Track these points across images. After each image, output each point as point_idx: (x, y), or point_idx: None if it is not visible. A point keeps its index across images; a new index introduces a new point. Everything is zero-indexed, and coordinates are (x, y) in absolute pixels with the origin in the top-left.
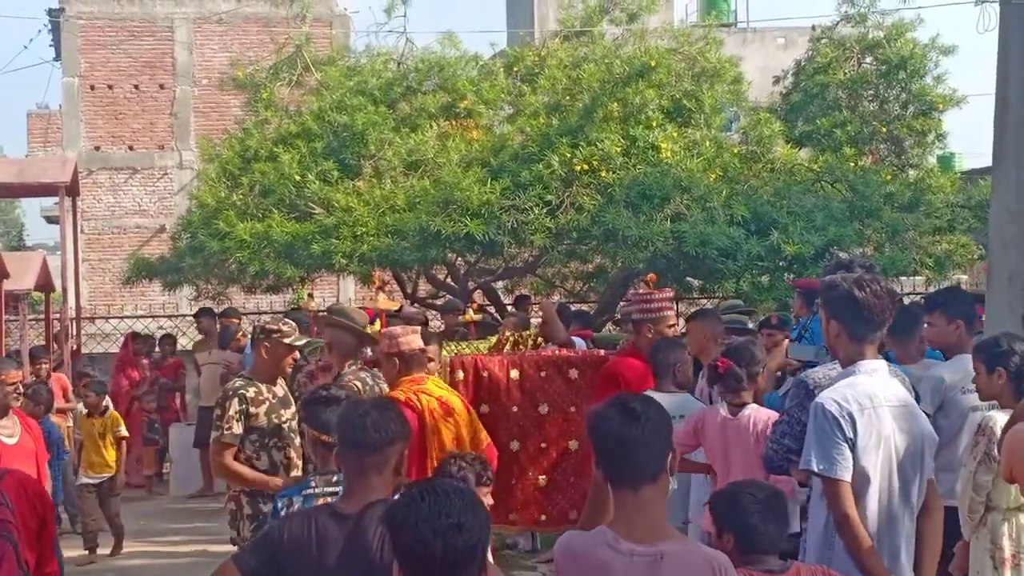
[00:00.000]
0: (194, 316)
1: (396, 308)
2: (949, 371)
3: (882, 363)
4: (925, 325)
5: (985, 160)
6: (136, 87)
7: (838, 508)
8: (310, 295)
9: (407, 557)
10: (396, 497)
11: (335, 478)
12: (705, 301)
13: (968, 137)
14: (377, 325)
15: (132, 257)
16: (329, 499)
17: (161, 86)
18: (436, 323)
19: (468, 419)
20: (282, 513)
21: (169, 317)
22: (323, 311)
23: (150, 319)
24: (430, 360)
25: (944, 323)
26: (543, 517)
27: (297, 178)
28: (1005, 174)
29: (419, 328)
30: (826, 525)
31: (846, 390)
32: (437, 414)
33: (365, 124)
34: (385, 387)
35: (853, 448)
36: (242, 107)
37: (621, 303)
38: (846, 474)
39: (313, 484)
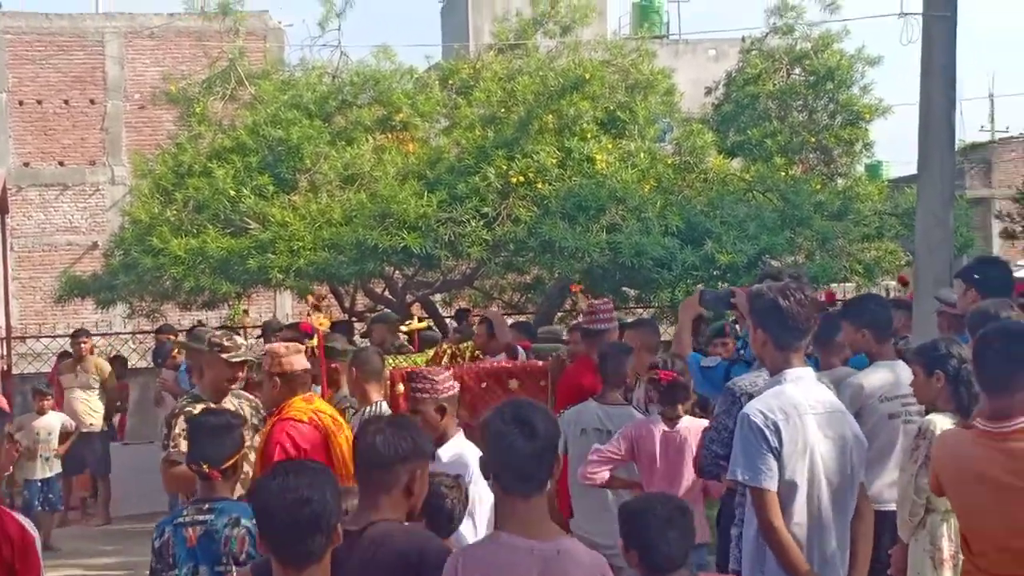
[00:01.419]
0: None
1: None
2: (868, 378)
3: (808, 370)
4: None
5: (911, 168)
6: (66, 102)
7: (764, 517)
8: (245, 311)
9: (261, 523)
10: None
11: (207, 506)
12: (641, 311)
13: (894, 146)
14: (315, 340)
15: (64, 275)
16: (199, 528)
17: (92, 101)
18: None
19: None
20: (155, 544)
21: (103, 335)
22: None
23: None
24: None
25: (852, 331)
26: None
27: (232, 193)
28: (930, 181)
29: (303, 348)
30: (757, 533)
31: (771, 400)
32: (331, 432)
33: (300, 138)
34: (248, 411)
35: (778, 457)
36: (175, 122)
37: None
38: (771, 483)
39: (185, 513)
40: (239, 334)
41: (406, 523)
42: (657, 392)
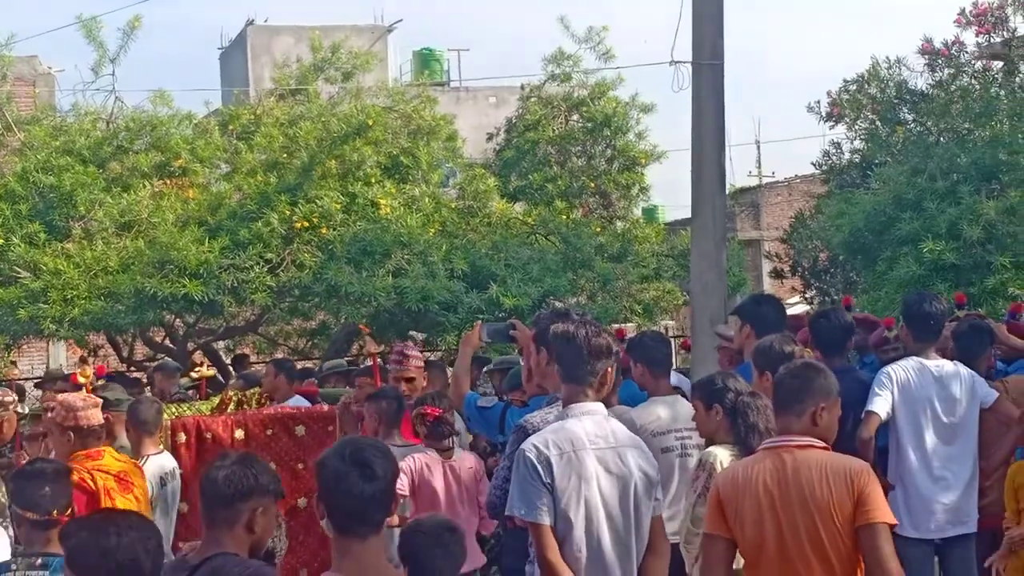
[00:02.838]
0: None
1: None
2: (640, 413)
3: (598, 406)
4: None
5: (686, 211)
6: None
7: (540, 552)
8: (13, 362)
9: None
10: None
11: (39, 560)
12: (428, 354)
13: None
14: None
15: None
16: None
17: None
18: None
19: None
20: None
21: None
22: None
23: None
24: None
25: (632, 367)
26: None
27: (0, 241)
28: (703, 224)
29: (100, 401)
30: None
31: (549, 435)
32: (114, 492)
33: (73, 184)
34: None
35: (552, 492)
36: None
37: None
38: (545, 518)
39: (14, 567)
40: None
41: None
42: (424, 428)
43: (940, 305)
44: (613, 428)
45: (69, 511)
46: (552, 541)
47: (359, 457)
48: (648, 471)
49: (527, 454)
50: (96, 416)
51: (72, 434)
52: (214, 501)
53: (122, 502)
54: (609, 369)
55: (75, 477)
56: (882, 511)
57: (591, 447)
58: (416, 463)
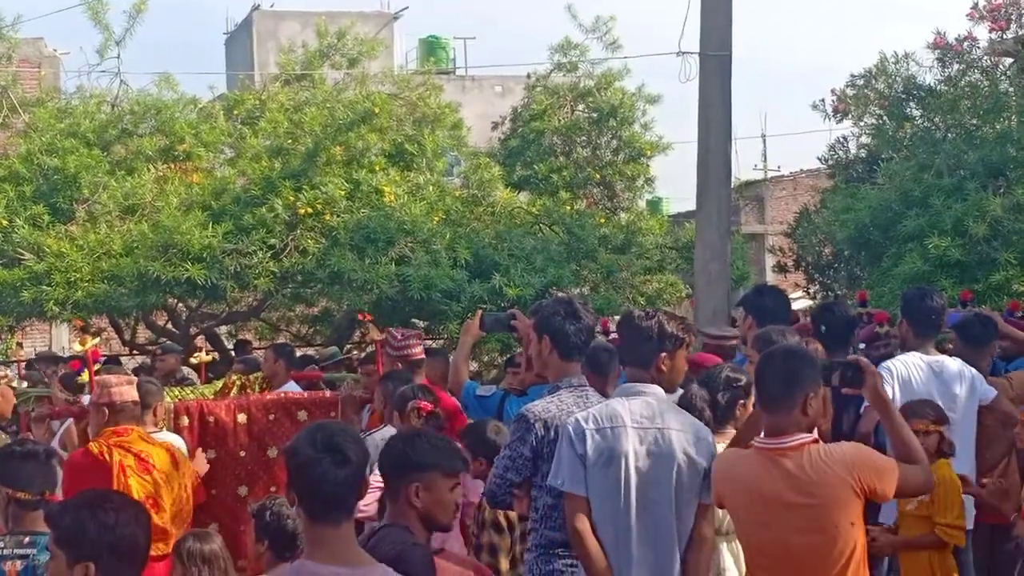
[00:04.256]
0: None
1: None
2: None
3: (654, 388)
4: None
5: (690, 204)
6: None
7: (570, 521)
8: (19, 344)
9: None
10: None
11: (27, 539)
12: (431, 342)
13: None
14: (85, 376)
15: None
16: (19, 562)
17: None
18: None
19: (176, 475)
20: None
21: None
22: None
23: None
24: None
25: None
26: None
27: (4, 223)
28: (708, 215)
29: (134, 379)
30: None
31: (593, 411)
32: (131, 470)
33: (78, 167)
34: None
35: (584, 464)
36: None
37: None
38: (579, 489)
39: (2, 545)
40: (10, 368)
41: None
42: (419, 421)
43: (940, 300)
44: (663, 410)
45: (54, 492)
46: (583, 511)
47: (330, 443)
48: (694, 456)
49: (568, 426)
50: (129, 393)
51: (107, 410)
52: (384, 473)
53: (137, 482)
54: (666, 355)
55: (95, 450)
56: (889, 473)
57: (632, 425)
58: None
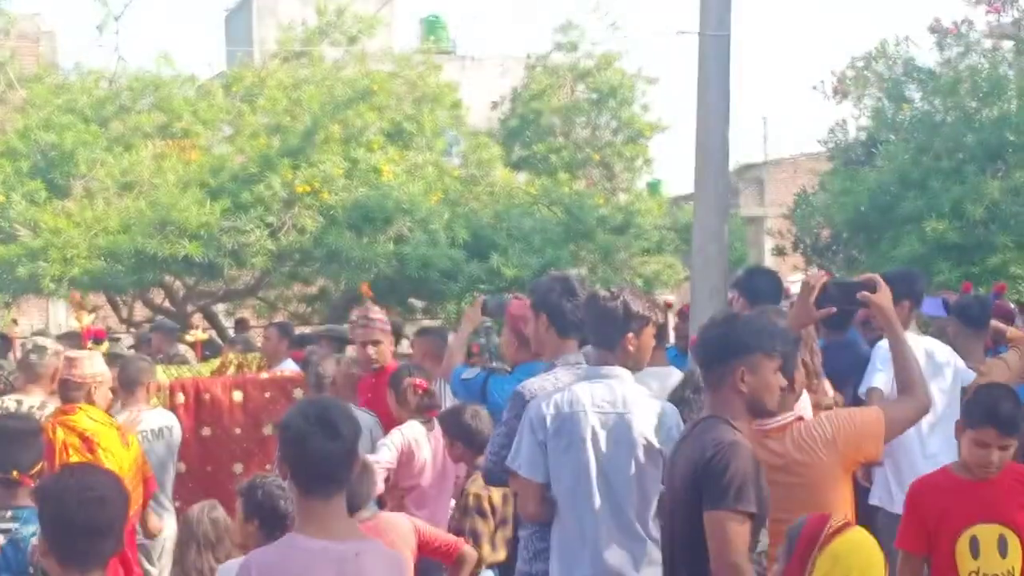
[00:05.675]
0: None
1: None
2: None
3: (620, 370)
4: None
5: (689, 186)
6: None
7: (523, 505)
8: (15, 320)
9: (51, 525)
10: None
11: (9, 513)
12: (428, 322)
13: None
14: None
15: None
16: (2, 536)
17: None
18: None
19: (126, 455)
20: None
21: None
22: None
23: None
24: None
25: None
26: None
27: (1, 199)
28: (706, 196)
29: (96, 354)
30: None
31: (554, 395)
32: (73, 449)
33: (75, 143)
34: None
35: (544, 450)
36: None
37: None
38: (536, 474)
39: None
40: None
41: None
42: (415, 398)
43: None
44: (626, 393)
45: (39, 469)
46: (537, 496)
47: (323, 417)
48: (654, 441)
49: (529, 411)
50: (76, 371)
51: (59, 388)
52: (701, 361)
53: (78, 460)
54: (632, 335)
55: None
56: (871, 432)
57: (594, 410)
58: (404, 441)
